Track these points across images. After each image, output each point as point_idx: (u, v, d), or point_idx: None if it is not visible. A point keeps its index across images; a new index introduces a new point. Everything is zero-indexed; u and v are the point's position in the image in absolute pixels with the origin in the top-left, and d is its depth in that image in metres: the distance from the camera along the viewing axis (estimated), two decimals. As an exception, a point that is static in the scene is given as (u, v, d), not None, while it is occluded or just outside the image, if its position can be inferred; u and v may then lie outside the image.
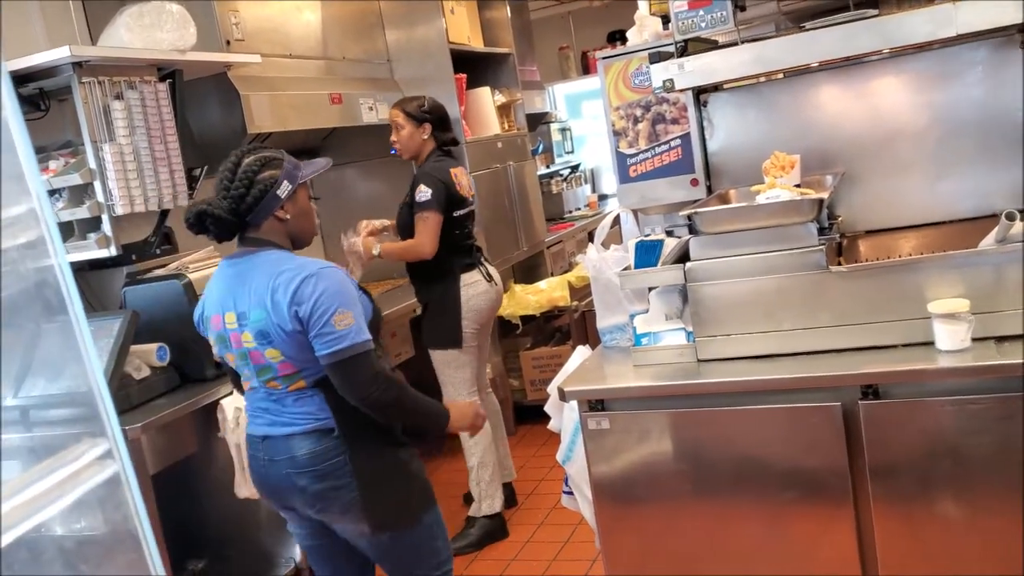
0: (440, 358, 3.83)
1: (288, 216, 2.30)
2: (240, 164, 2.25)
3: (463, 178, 3.84)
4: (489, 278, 3.87)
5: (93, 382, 0.83)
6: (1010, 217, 2.09)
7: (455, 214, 3.75)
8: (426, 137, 3.82)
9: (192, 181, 3.39)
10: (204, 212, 2.24)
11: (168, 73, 3.32)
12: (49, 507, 0.80)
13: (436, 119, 3.84)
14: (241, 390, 2.50)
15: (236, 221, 2.26)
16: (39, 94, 3.06)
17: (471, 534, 3.86)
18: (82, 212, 3.05)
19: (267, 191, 2.24)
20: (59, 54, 2.85)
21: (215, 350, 2.40)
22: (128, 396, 2.90)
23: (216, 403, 3.03)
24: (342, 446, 2.27)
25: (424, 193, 3.66)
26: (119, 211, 3.03)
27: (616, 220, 2.86)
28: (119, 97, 3.07)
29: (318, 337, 2.18)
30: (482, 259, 3.94)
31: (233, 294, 2.27)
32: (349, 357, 2.18)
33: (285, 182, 2.26)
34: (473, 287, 3.79)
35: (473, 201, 3.90)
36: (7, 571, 0.80)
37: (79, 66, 2.94)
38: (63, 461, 0.83)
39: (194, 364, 3.16)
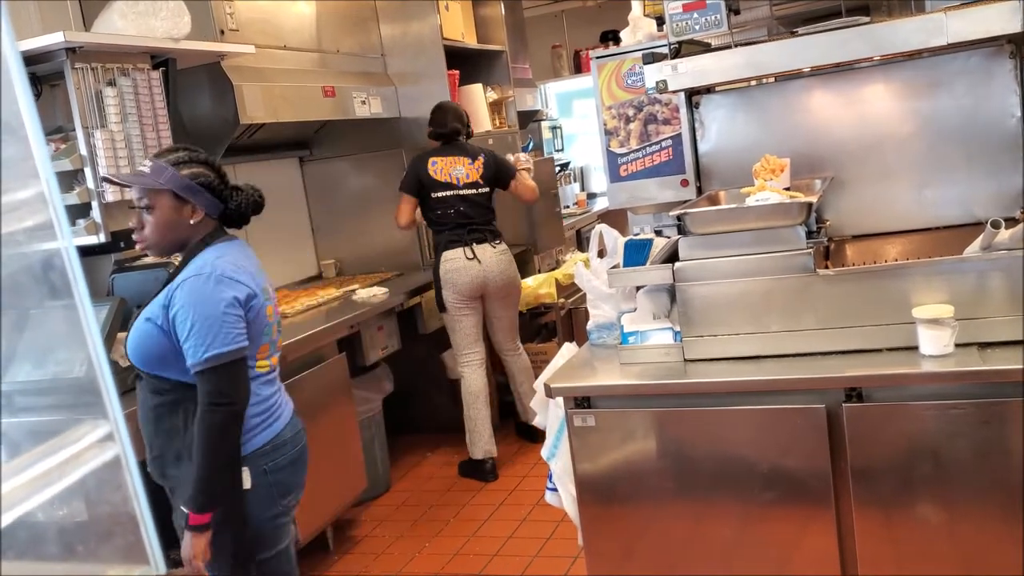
0: (444, 319, 4.49)
1: None
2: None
3: (442, 165, 4.34)
4: (471, 256, 4.31)
5: (96, 365, 0.84)
6: (995, 225, 2.12)
7: (433, 195, 4.33)
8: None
9: (183, 170, 3.38)
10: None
11: (161, 61, 3.31)
12: (50, 488, 0.81)
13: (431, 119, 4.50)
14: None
15: None
16: (32, 79, 3.05)
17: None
18: (71, 198, 3.04)
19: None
20: (53, 39, 2.83)
21: (256, 341, 2.28)
22: (113, 384, 2.89)
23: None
24: None
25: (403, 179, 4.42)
26: (109, 198, 3.03)
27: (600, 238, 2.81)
28: (112, 84, 3.06)
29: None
30: (474, 239, 4.34)
31: (259, 273, 2.37)
32: None
33: None
34: (451, 263, 4.31)
35: (459, 185, 4.36)
36: (6, 551, 0.81)
37: (72, 52, 2.93)
38: (65, 443, 0.84)
39: (181, 353, 3.15)
